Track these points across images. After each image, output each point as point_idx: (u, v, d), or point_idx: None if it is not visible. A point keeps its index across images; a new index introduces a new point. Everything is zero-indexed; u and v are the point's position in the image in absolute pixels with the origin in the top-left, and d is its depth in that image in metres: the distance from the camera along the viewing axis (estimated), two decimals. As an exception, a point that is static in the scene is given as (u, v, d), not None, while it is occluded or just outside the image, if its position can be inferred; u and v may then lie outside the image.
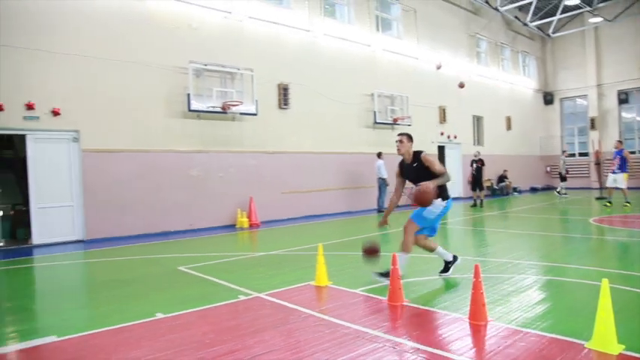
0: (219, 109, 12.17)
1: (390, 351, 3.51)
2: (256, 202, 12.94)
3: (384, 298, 4.84)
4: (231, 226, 12.52)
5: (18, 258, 8.82)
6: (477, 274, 4.01)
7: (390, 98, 16.86)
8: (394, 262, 4.75)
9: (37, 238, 10.11)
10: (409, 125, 17.04)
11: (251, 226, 12.52)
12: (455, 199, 19.73)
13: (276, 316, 4.48)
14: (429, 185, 5.17)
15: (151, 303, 5.11)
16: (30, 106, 9.76)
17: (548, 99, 26.93)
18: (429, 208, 5.42)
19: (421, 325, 4.20)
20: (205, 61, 12.01)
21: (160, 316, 4.59)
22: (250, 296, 5.27)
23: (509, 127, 23.85)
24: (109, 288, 6.09)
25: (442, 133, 19.45)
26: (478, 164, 16.42)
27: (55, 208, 10.25)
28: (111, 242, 10.23)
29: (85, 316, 4.98)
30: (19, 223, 11.44)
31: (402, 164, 5.78)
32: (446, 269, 5.89)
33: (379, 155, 15.16)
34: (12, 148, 12.31)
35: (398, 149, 5.68)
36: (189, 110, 11.74)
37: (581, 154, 26.11)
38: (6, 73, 9.48)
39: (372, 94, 16.23)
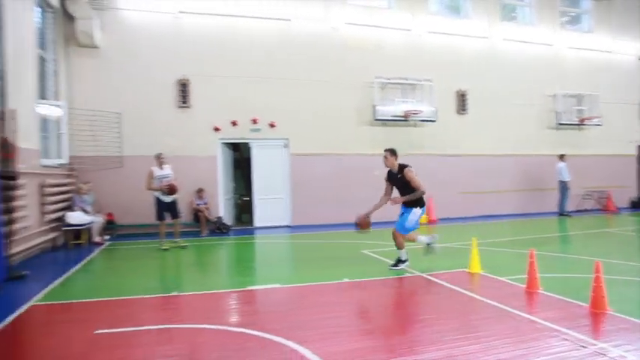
0: (401, 117, 13.79)
1: (506, 319, 4.67)
2: (434, 201, 14.17)
3: (523, 286, 5.81)
4: (411, 221, 13.99)
5: (245, 235, 11.90)
6: (597, 270, 4.82)
7: (575, 98, 16.31)
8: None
9: (257, 222, 13.16)
10: (599, 125, 16.27)
11: (429, 222, 13.81)
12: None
13: (429, 289, 5.97)
14: (397, 200, 6.91)
15: (340, 272, 6.95)
16: (254, 121, 12.78)
17: None
18: (410, 217, 6.92)
19: (543, 305, 5.17)
20: (389, 75, 13.73)
21: (346, 280, 6.42)
22: (413, 274, 6.77)
23: None
24: (310, 260, 8.32)
25: (644, 132, 17.85)
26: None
27: (270, 199, 13.17)
28: (310, 228, 12.65)
29: (296, 275, 7.23)
30: (244, 210, 14.78)
31: (390, 172, 7.11)
32: (395, 264, 7.10)
33: (561, 157, 14.95)
34: (238, 150, 15.75)
35: (384, 163, 7.05)
36: (375, 119, 13.63)
37: None
38: (239, 97, 12.63)
39: (555, 95, 16.00)
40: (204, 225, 11.84)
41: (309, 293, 5.89)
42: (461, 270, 6.94)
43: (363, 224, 7.20)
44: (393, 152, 7.09)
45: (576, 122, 16.16)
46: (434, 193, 14.20)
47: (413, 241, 7.23)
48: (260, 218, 13.16)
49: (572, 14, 17.34)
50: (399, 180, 7.01)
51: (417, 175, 6.92)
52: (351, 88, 13.64)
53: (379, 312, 5.21)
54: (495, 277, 6.47)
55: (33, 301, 5.56)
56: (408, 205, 7.00)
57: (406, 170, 6.90)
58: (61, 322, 4.88)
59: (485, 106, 15.13)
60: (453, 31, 14.85)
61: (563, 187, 14.80)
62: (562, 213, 14.87)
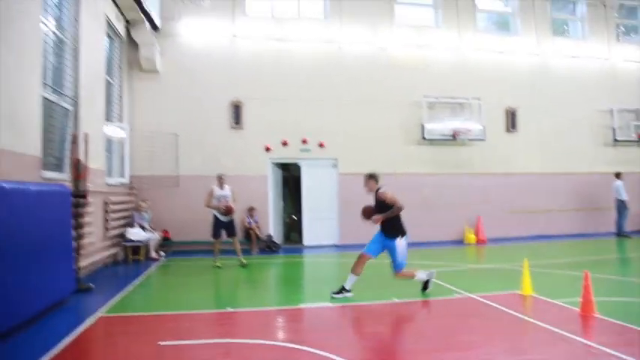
0: (449, 137, 13.76)
1: (559, 342, 4.62)
2: (483, 221, 13.96)
3: (578, 309, 5.66)
4: (459, 242, 13.81)
5: (294, 254, 12.15)
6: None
7: (634, 112, 15.69)
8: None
9: (306, 240, 13.37)
10: (660, 141, 15.58)
11: (478, 242, 13.60)
12: None
13: (477, 309, 5.99)
14: (377, 218, 6.73)
15: (389, 291, 7.02)
16: (304, 141, 13.13)
17: None
18: (398, 250, 6.74)
19: (599, 330, 5.09)
20: (437, 94, 13.78)
21: (395, 300, 6.49)
22: (463, 295, 6.75)
23: None
24: (359, 279, 8.09)
25: None
26: None
27: (319, 219, 13.37)
28: (358, 248, 12.55)
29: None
30: (293, 229, 15.05)
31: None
32: (425, 287, 6.96)
33: (618, 176, 14.37)
34: (287, 170, 16.12)
35: (365, 188, 7.08)
36: (423, 138, 13.67)
37: None
38: (290, 118, 13.03)
39: (611, 110, 15.46)
40: (254, 243, 12.16)
41: (359, 312, 6.02)
42: (512, 292, 6.86)
43: (366, 214, 7.08)
44: (371, 176, 7.10)
45: (634, 138, 15.55)
46: (483, 212, 14.07)
47: (411, 277, 7.02)
48: (309, 237, 13.37)
49: (629, 26, 16.82)
50: (375, 200, 6.95)
51: (393, 193, 6.81)
52: (398, 107, 13.76)
53: (429, 332, 5.25)
54: (548, 299, 6.35)
55: (100, 313, 5.96)
56: (389, 236, 6.86)
57: (379, 192, 6.86)
58: (127, 334, 5.22)
59: (536, 124, 14.86)
60: (501, 49, 14.75)
61: (621, 206, 14.22)
62: (620, 234, 14.27)
